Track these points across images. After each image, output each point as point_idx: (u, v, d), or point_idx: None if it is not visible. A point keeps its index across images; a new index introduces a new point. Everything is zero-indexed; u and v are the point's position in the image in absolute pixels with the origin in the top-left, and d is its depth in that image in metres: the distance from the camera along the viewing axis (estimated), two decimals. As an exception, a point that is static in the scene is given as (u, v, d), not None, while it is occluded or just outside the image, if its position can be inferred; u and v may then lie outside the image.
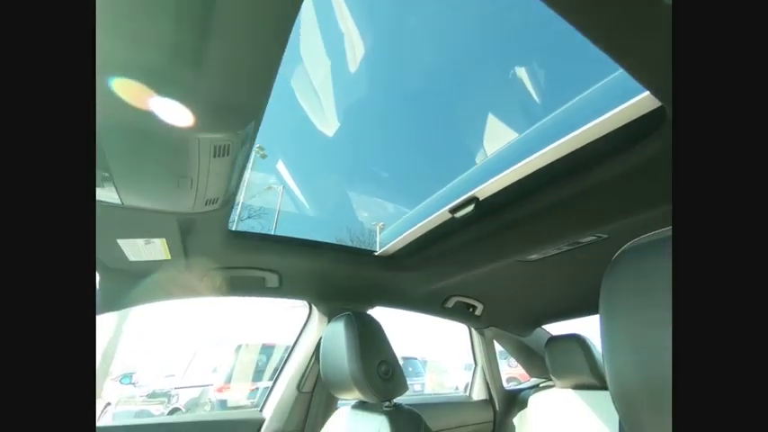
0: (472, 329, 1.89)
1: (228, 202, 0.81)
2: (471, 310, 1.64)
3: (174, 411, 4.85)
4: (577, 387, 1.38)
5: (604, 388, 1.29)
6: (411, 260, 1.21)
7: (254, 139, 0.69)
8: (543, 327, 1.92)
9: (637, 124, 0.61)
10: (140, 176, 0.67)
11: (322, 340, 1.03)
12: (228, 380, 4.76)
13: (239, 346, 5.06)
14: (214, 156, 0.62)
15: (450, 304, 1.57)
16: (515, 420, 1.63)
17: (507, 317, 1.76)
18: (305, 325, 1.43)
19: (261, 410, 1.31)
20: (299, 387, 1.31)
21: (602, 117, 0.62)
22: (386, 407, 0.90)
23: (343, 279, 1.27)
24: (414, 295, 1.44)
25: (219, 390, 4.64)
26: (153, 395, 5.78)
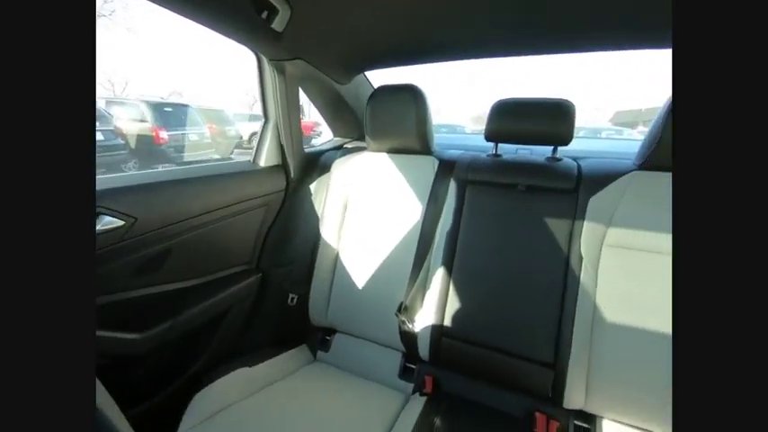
0: (264, 62, 1.10)
1: None
2: (266, 15, 0.82)
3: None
4: (392, 151, 1.18)
5: (422, 152, 1.14)
6: None
7: None
8: (366, 74, 1.39)
9: None
10: None
11: None
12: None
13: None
14: None
15: None
16: (312, 186, 1.29)
17: (325, 45, 1.05)
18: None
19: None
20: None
21: None
22: None
23: None
24: None
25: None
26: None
